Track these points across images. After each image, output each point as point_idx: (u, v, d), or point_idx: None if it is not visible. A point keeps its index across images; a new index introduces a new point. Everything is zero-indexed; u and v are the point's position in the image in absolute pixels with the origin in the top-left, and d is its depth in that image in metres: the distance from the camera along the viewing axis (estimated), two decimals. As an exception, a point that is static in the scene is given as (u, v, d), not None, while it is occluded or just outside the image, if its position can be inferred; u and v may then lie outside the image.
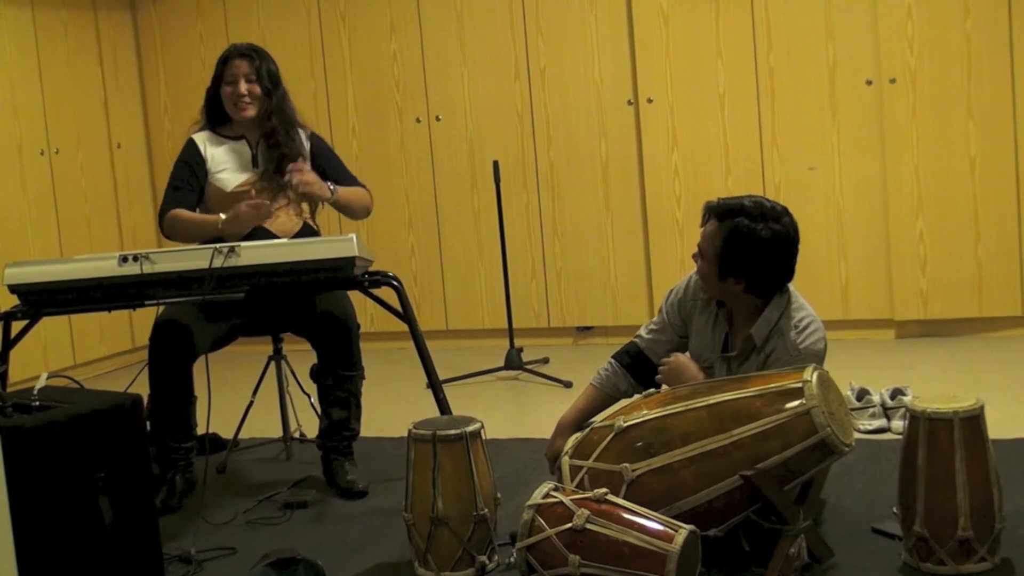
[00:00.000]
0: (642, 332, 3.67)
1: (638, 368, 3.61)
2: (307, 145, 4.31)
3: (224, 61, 4.25)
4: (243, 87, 4.19)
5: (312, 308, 4.09)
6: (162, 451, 4.02)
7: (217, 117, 4.31)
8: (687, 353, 3.54)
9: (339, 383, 4.13)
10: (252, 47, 4.29)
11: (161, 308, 4.01)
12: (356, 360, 4.16)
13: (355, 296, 4.13)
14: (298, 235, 4.19)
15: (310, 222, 4.31)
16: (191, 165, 4.24)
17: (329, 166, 4.34)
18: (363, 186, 4.39)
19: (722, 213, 3.35)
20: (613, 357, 3.67)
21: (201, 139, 4.30)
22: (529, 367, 5.85)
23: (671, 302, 3.60)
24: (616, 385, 3.61)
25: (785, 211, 3.36)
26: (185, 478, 4.06)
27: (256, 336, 4.40)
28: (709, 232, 3.37)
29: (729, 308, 3.46)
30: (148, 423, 4.00)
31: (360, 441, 4.36)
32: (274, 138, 4.21)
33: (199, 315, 4.01)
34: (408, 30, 6.70)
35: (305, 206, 4.28)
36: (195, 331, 3.98)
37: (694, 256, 3.43)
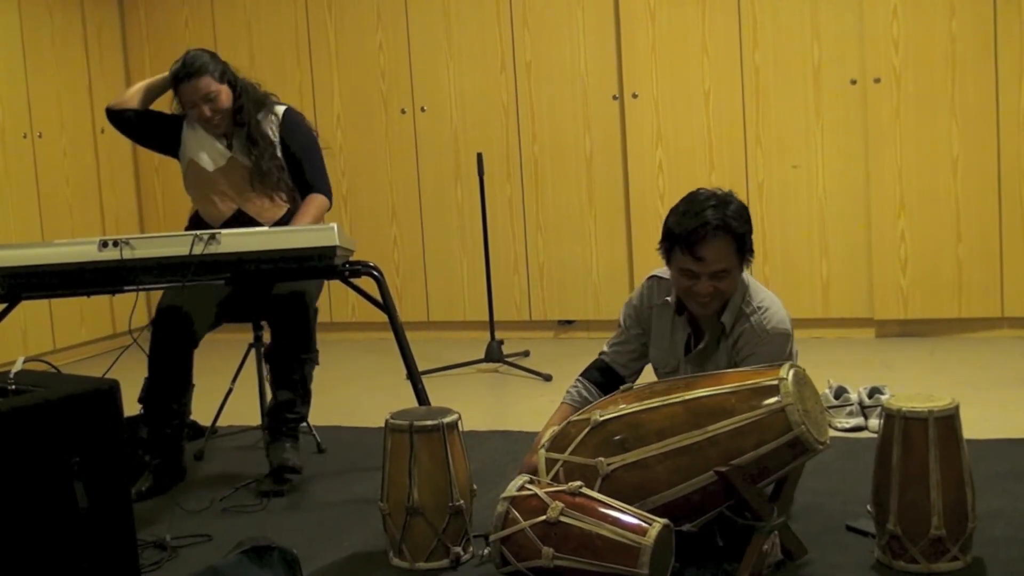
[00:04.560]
0: (605, 347, 3.69)
1: (609, 384, 3.60)
2: (276, 126, 4.23)
3: (175, 85, 4.19)
4: (206, 111, 4.13)
5: (271, 288, 4.06)
6: (154, 437, 4.03)
7: None
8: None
9: (290, 365, 4.10)
10: (194, 63, 4.16)
11: (161, 294, 4.02)
12: (310, 343, 4.13)
13: (335, 286, 4.12)
14: (280, 222, 4.19)
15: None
16: (167, 116, 4.32)
17: (298, 147, 4.24)
18: (323, 186, 4.24)
19: (714, 221, 3.24)
20: (581, 375, 3.66)
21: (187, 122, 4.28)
22: (509, 360, 5.85)
23: (628, 313, 3.61)
24: (588, 400, 3.57)
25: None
26: (174, 465, 4.06)
27: (236, 323, 4.40)
28: (716, 244, 3.24)
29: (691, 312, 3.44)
30: (142, 408, 4.01)
31: (338, 430, 4.36)
32: (247, 128, 4.17)
33: (199, 301, 4.01)
34: (395, 20, 6.69)
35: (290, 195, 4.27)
36: (196, 318, 4.00)
37: (707, 287, 3.27)
